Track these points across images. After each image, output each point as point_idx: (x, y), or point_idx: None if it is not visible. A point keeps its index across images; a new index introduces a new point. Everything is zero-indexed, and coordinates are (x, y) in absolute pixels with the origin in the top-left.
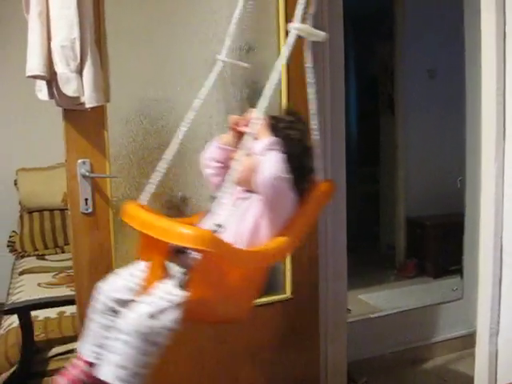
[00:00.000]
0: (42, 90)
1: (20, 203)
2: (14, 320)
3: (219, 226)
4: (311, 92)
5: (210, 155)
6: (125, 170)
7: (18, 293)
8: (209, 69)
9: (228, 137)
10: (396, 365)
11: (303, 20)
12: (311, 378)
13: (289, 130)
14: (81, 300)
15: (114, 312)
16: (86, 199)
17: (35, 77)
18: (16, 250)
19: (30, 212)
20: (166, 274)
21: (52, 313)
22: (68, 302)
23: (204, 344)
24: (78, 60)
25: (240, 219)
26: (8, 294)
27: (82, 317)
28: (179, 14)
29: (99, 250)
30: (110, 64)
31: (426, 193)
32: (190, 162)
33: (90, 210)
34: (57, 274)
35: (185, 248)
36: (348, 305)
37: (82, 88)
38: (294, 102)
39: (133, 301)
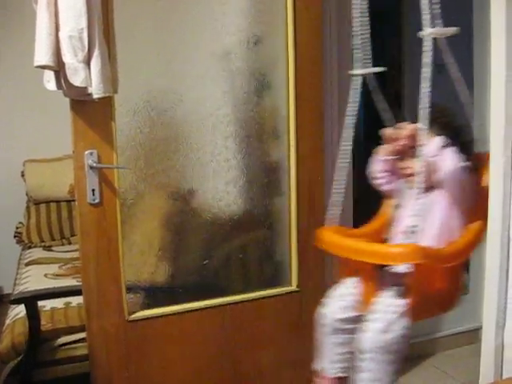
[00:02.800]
0: (50, 81)
1: (27, 194)
2: (20, 310)
3: (414, 227)
4: (461, 87)
5: (377, 169)
6: (132, 160)
7: (24, 283)
8: (217, 61)
9: (387, 148)
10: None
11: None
12: (317, 370)
13: (443, 118)
14: (87, 290)
15: (343, 330)
16: (94, 190)
17: (43, 67)
18: (23, 241)
19: (37, 203)
20: (377, 288)
21: (59, 303)
22: (74, 292)
23: (210, 336)
24: (86, 50)
25: (427, 216)
26: (15, 285)
27: (88, 307)
28: (188, 5)
29: (106, 240)
30: (118, 55)
31: None
32: (196, 154)
33: (97, 201)
34: (63, 265)
35: None
36: None
37: (90, 78)
38: (303, 93)
39: (356, 316)
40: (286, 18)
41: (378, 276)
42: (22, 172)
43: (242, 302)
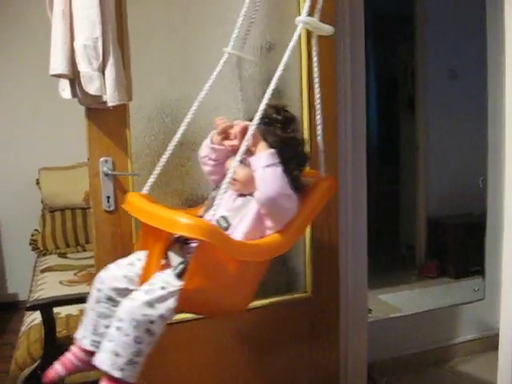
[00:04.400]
0: (65, 89)
1: (42, 202)
2: (36, 316)
3: (225, 219)
4: (316, 87)
5: (204, 154)
6: (147, 167)
7: (39, 290)
8: (231, 68)
9: (218, 138)
10: (416, 366)
11: (312, 13)
12: (331, 377)
13: (282, 132)
14: None
15: (112, 301)
16: (108, 197)
17: (59, 76)
18: (38, 248)
19: (52, 211)
20: (166, 264)
21: (74, 310)
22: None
23: (224, 341)
24: (101, 59)
25: (240, 214)
26: (30, 292)
27: None
28: (201, 12)
29: (121, 247)
30: (132, 63)
31: (447, 193)
32: None
33: (112, 208)
34: (78, 272)
35: (186, 239)
36: (368, 305)
37: (105, 87)
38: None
39: (131, 290)
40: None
41: (168, 252)
42: (37, 180)
43: (255, 308)
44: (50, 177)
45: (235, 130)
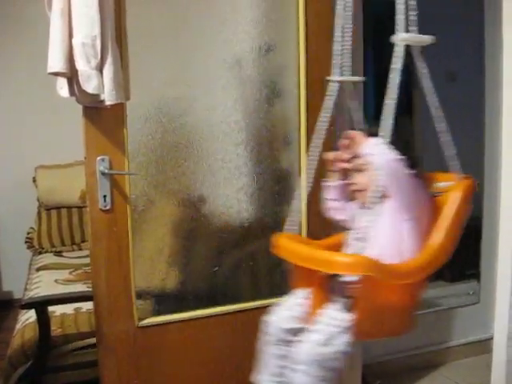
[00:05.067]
0: (62, 87)
1: (38, 200)
2: (31, 315)
3: (365, 233)
4: (432, 99)
5: (331, 198)
6: (143, 167)
7: (35, 288)
8: (228, 68)
9: (333, 175)
10: (411, 369)
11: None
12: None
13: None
14: (98, 296)
15: (287, 342)
16: (105, 196)
17: (56, 74)
18: (33, 247)
19: (48, 209)
20: (327, 300)
21: (69, 309)
22: (85, 298)
23: (219, 343)
24: (99, 57)
25: (377, 224)
26: (25, 290)
27: (98, 313)
28: (200, 12)
29: (117, 246)
30: (131, 62)
31: None
32: (207, 161)
33: (108, 207)
34: (74, 271)
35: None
36: None
37: (103, 85)
38: (314, 101)
39: (303, 328)
40: (298, 25)
41: (327, 288)
42: (34, 178)
43: (251, 309)
44: (46, 175)
45: (341, 145)
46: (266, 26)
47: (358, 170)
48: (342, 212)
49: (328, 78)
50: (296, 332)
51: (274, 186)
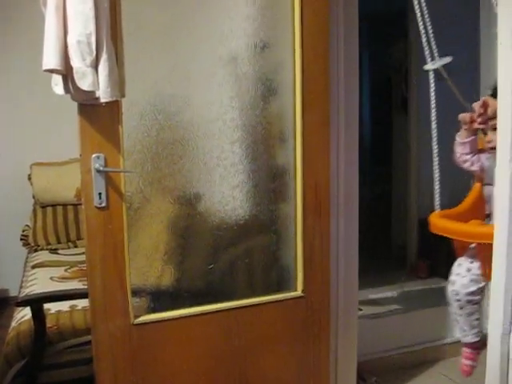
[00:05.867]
0: (57, 84)
1: (33, 197)
2: (26, 312)
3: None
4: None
5: (461, 152)
6: (139, 164)
7: (30, 286)
8: (224, 65)
9: (465, 132)
10: (406, 365)
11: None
12: (321, 376)
13: None
14: (93, 294)
15: (471, 302)
16: (100, 193)
17: (51, 71)
18: (29, 244)
19: (44, 206)
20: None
21: (64, 306)
22: (80, 295)
23: (215, 340)
24: (94, 55)
25: None
26: (21, 287)
27: (93, 310)
28: (195, 9)
29: (112, 244)
30: (126, 59)
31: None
32: (203, 158)
33: (103, 205)
34: (69, 268)
35: None
36: (359, 304)
37: (98, 83)
38: (309, 98)
39: (480, 288)
40: (293, 23)
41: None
42: (29, 175)
43: (247, 306)
44: (41, 172)
45: (476, 110)
46: (262, 23)
47: (494, 129)
48: (474, 164)
49: (424, 67)
50: (477, 292)
51: (270, 184)
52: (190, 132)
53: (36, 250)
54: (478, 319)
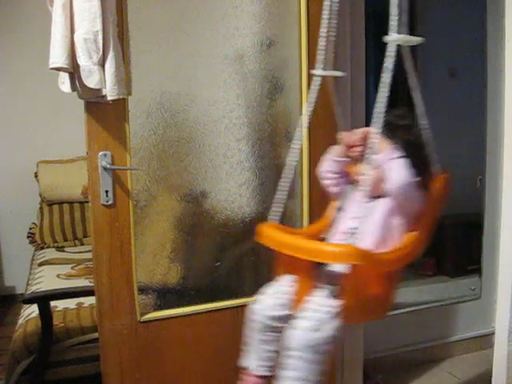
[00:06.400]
0: (64, 83)
1: (40, 195)
2: (33, 310)
3: (355, 229)
4: (416, 96)
5: (326, 168)
6: (145, 162)
7: (37, 283)
8: (230, 63)
9: (340, 149)
10: (412, 363)
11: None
12: (327, 374)
13: (406, 135)
14: (100, 291)
15: (274, 328)
16: (107, 191)
17: (58, 69)
18: (35, 242)
19: (50, 204)
20: (312, 287)
21: (71, 303)
22: (87, 292)
23: (221, 338)
24: (101, 53)
25: (369, 220)
26: (28, 285)
27: (100, 308)
28: (201, 8)
29: (119, 241)
30: (132, 57)
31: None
32: (209, 156)
33: (110, 202)
34: (75, 266)
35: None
36: None
37: (104, 81)
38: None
39: (288, 315)
40: (300, 20)
41: (313, 275)
42: (36, 173)
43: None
44: (48, 170)
45: (357, 137)
46: (268, 20)
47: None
48: (336, 186)
49: (312, 71)
50: (282, 319)
51: (276, 181)
52: (197, 130)
53: (43, 248)
54: (275, 352)
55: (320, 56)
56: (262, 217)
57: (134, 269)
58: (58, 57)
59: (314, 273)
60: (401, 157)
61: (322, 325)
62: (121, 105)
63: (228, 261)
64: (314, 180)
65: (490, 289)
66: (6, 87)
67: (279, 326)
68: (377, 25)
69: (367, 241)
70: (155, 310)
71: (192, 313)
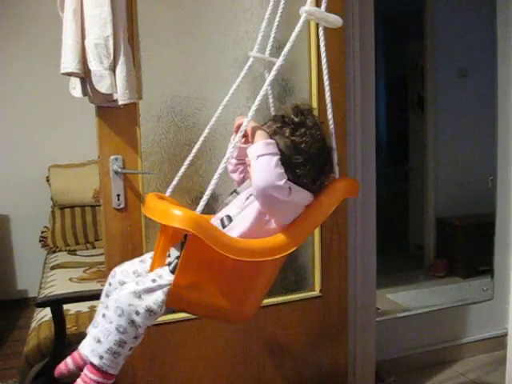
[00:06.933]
0: (75, 87)
1: (52, 199)
2: (46, 313)
3: (229, 218)
4: (326, 84)
5: (230, 154)
6: (156, 166)
7: (49, 287)
8: (240, 67)
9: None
10: (424, 365)
11: (318, 4)
12: (339, 375)
13: (290, 135)
14: None
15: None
16: (119, 195)
17: (70, 74)
18: (48, 245)
19: (62, 208)
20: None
21: (83, 307)
22: (99, 296)
23: (233, 338)
24: (112, 58)
25: (243, 212)
26: (40, 288)
27: None
28: (211, 12)
29: (131, 244)
30: (143, 61)
31: (456, 192)
32: (219, 158)
33: (122, 206)
34: (88, 269)
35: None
36: (377, 304)
37: (115, 85)
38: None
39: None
40: (309, 22)
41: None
42: (47, 177)
43: (264, 306)
44: (59, 174)
45: (237, 122)
46: (277, 23)
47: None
48: (237, 172)
49: (249, 53)
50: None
51: None
52: (207, 133)
53: (55, 252)
54: (130, 350)
55: (259, 39)
56: None
57: None
58: (69, 62)
59: (173, 246)
60: (273, 154)
61: (144, 292)
62: (132, 109)
63: None
64: None
65: (502, 290)
66: (18, 92)
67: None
68: (386, 25)
69: (234, 231)
70: (167, 312)
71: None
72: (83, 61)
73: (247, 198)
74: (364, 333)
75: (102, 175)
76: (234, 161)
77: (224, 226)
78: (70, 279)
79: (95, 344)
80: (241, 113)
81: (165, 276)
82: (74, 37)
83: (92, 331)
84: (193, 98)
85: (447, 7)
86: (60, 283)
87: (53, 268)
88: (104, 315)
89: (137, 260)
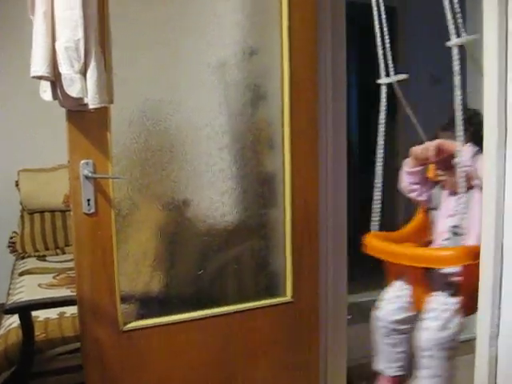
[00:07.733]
0: (46, 91)
1: (21, 204)
2: (14, 320)
3: (456, 227)
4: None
5: (406, 182)
6: (127, 170)
7: (18, 293)
8: (212, 72)
9: (413, 162)
10: None
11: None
12: (311, 381)
13: (471, 127)
14: (82, 300)
15: (398, 331)
16: (89, 200)
17: (40, 77)
18: (16, 251)
19: (31, 213)
20: (426, 288)
21: (52, 313)
22: (68, 302)
23: (204, 346)
24: (82, 61)
25: (469, 215)
26: (8, 295)
27: (82, 317)
28: (183, 16)
29: (101, 250)
30: (114, 65)
31: None
32: (191, 164)
33: (92, 211)
34: (57, 275)
35: None
36: (348, 309)
37: (86, 89)
38: (298, 104)
39: (409, 317)
40: (281, 29)
41: (426, 277)
42: (17, 181)
43: (236, 312)
44: (29, 178)
45: (431, 153)
46: (250, 29)
47: (449, 166)
48: (422, 194)
49: (378, 80)
50: (405, 321)
51: (259, 189)
52: (179, 138)
53: (24, 257)
54: (403, 352)
55: (381, 65)
56: (244, 225)
57: (116, 278)
58: (39, 65)
59: (425, 275)
60: (477, 152)
61: (447, 323)
62: (103, 113)
63: (211, 269)
64: (295, 187)
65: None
66: None
67: (402, 328)
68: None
69: (472, 236)
70: (138, 319)
71: (175, 322)
72: (54, 64)
73: (456, 202)
74: (335, 338)
75: (71, 180)
76: (416, 186)
77: (461, 237)
78: (39, 285)
79: (435, 380)
80: (213, 117)
81: (448, 302)
82: (44, 40)
83: (424, 373)
84: (165, 103)
85: (419, 14)
86: (29, 289)
87: (21, 274)
88: (431, 356)
89: (389, 298)
